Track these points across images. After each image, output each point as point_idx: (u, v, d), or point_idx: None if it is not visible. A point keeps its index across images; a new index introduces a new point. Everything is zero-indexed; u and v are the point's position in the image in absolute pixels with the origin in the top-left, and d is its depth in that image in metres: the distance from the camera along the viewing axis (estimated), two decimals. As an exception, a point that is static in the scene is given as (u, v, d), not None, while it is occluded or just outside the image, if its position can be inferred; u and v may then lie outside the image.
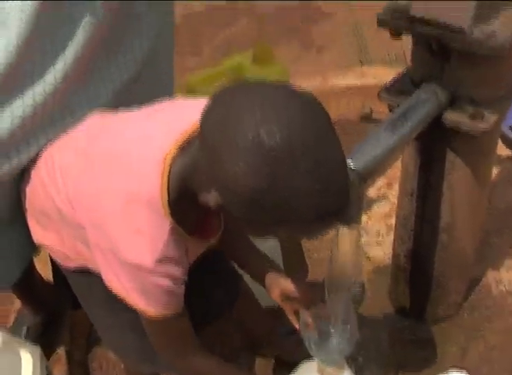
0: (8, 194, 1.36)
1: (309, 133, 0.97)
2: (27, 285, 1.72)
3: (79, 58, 1.27)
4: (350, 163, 1.18)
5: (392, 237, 1.96)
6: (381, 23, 1.42)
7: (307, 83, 2.63)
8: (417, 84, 1.48)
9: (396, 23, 1.40)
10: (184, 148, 1.13)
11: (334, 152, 1.00)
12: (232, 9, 3.71)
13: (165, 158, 1.12)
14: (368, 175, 1.20)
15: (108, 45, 1.35)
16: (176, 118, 1.19)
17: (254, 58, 1.99)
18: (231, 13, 3.68)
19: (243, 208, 1.00)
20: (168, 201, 1.13)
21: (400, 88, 1.50)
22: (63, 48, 1.25)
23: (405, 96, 1.44)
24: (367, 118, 2.64)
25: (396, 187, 1.87)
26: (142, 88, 1.47)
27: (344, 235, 1.32)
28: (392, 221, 1.96)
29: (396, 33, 1.42)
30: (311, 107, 1.00)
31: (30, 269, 1.70)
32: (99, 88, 1.35)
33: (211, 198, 1.06)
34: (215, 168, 1.00)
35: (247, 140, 0.95)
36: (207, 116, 1.02)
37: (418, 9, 1.37)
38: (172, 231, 1.16)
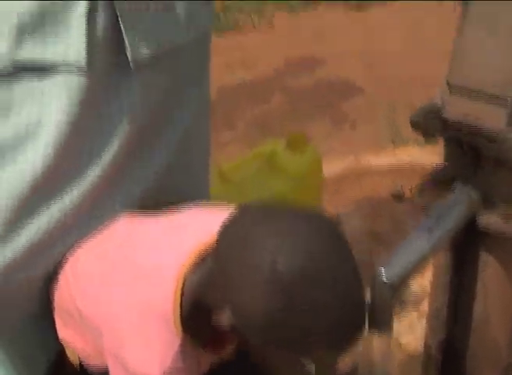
0: (39, 292, 1.38)
1: (326, 262, 0.98)
2: (57, 373, 1.72)
3: (116, 158, 1.29)
4: (383, 274, 1.17)
5: (424, 323, 1.93)
6: (413, 124, 1.43)
7: (339, 163, 2.65)
8: (449, 182, 1.48)
9: (428, 125, 1.41)
10: (201, 260, 1.12)
11: (351, 276, 1.01)
12: (266, 84, 3.77)
13: (180, 271, 1.11)
14: (400, 285, 1.20)
15: (144, 143, 1.36)
16: (197, 228, 1.19)
17: (287, 144, 2.01)
18: (264, 88, 3.75)
19: (258, 332, 1.00)
20: (181, 315, 1.12)
21: (433, 187, 1.50)
22: (101, 149, 1.27)
23: (439, 196, 1.44)
24: (399, 198, 2.63)
25: (429, 273, 1.85)
26: (175, 178, 1.48)
27: (374, 339, 1.31)
28: (425, 307, 1.94)
29: (429, 135, 1.43)
30: (329, 234, 1.02)
31: (60, 357, 1.70)
32: (133, 187, 1.37)
33: (224, 317, 1.05)
34: (229, 288, 1.00)
35: (263, 265, 0.96)
36: (224, 233, 1.03)
37: (451, 112, 1.38)
38: (184, 345, 1.14)
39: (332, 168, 2.61)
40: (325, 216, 1.05)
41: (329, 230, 1.02)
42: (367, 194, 2.58)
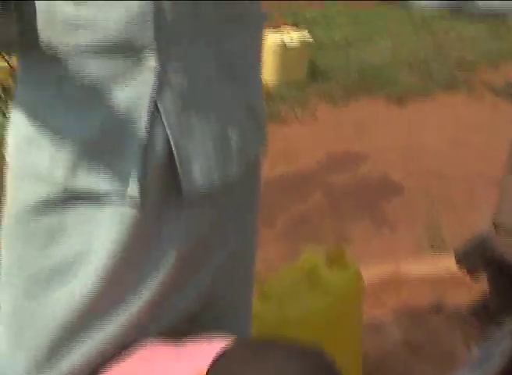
0: None
1: None
2: None
3: (161, 286, 1.29)
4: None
5: None
6: (458, 260, 1.43)
7: (378, 269, 2.64)
8: (494, 313, 1.46)
9: (472, 262, 1.40)
10: None
11: None
12: (307, 179, 3.80)
13: None
14: None
15: (189, 269, 1.36)
16: (196, 360, 1.18)
17: (326, 258, 2.02)
18: (305, 183, 3.77)
19: None
20: None
21: (478, 319, 1.49)
22: (148, 277, 1.28)
23: (484, 326, 1.42)
24: (438, 309, 2.59)
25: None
26: (218, 293, 1.46)
27: None
28: None
29: (473, 272, 1.42)
30: (321, 371, 1.01)
31: None
32: (174, 311, 1.36)
33: None
34: None
35: None
36: (214, 370, 1.03)
37: (497, 251, 1.37)
38: None
39: (370, 274, 2.60)
40: (319, 352, 1.05)
41: (322, 368, 1.02)
42: (405, 302, 2.56)
